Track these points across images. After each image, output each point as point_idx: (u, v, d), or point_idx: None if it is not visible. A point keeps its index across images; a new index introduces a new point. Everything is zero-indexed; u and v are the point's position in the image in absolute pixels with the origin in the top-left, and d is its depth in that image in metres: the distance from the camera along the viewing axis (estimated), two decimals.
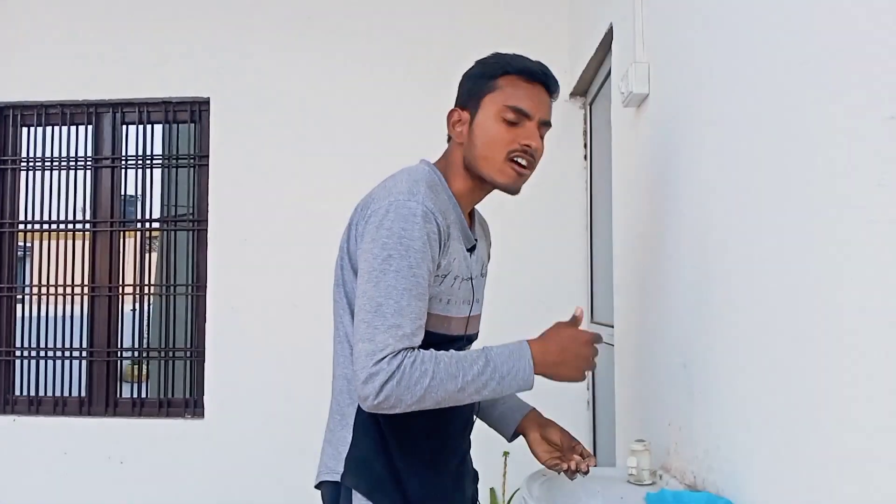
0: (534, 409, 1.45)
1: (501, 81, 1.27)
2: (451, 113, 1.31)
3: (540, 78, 1.28)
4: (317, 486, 1.31)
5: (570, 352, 1.22)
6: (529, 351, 1.19)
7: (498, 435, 1.46)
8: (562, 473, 1.35)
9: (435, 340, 1.22)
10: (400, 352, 1.10)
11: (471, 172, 1.29)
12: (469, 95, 1.29)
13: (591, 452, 1.38)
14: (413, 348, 1.13)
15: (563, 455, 1.36)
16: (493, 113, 1.25)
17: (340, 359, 1.28)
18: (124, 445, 3.16)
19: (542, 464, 1.38)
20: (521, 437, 1.44)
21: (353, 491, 1.21)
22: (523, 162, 1.25)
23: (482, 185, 1.31)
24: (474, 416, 1.40)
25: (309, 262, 3.07)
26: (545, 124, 1.28)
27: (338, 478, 1.23)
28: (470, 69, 1.33)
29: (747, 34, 1.14)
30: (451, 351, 1.16)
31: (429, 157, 1.36)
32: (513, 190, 1.28)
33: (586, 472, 1.31)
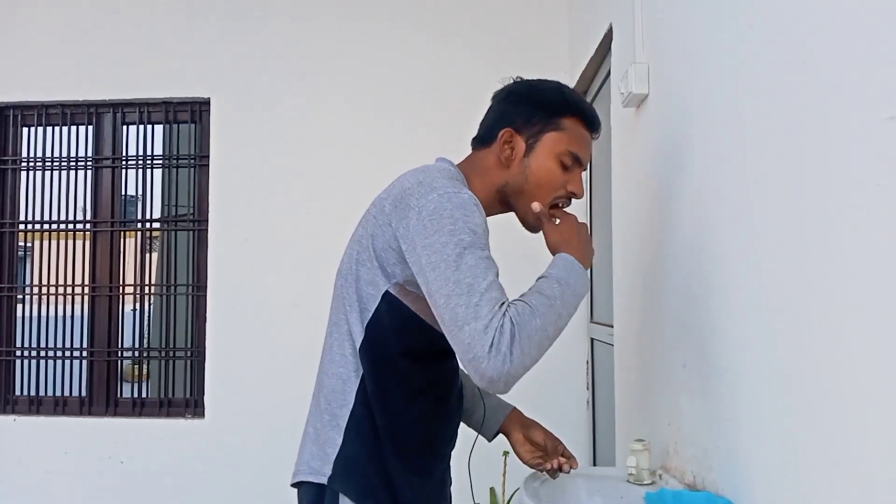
0: (515, 408, 1.45)
1: (567, 122, 1.27)
2: (504, 132, 1.27)
3: (595, 127, 1.31)
4: (293, 485, 1.27)
5: (583, 238, 1.25)
6: (569, 256, 1.20)
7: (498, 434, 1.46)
8: (544, 472, 1.37)
9: (450, 347, 1.24)
10: (504, 312, 1.06)
11: (502, 195, 1.29)
12: (527, 123, 1.27)
13: (573, 454, 1.39)
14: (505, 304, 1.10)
15: (547, 455, 1.37)
16: (553, 154, 1.26)
17: (337, 357, 1.24)
18: (124, 445, 3.16)
19: (525, 463, 1.39)
20: (501, 436, 1.44)
21: (341, 495, 1.18)
22: (562, 206, 1.30)
23: (502, 209, 1.32)
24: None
25: (309, 261, 3.08)
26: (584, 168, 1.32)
27: (323, 480, 1.20)
28: (528, 92, 1.30)
29: (747, 34, 1.14)
30: (524, 293, 1.13)
31: (430, 160, 1.34)
32: (535, 230, 1.31)
33: (567, 472, 1.34)
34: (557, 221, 1.29)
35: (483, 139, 1.32)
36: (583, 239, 1.25)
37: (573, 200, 1.32)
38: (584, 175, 2.99)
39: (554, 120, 1.27)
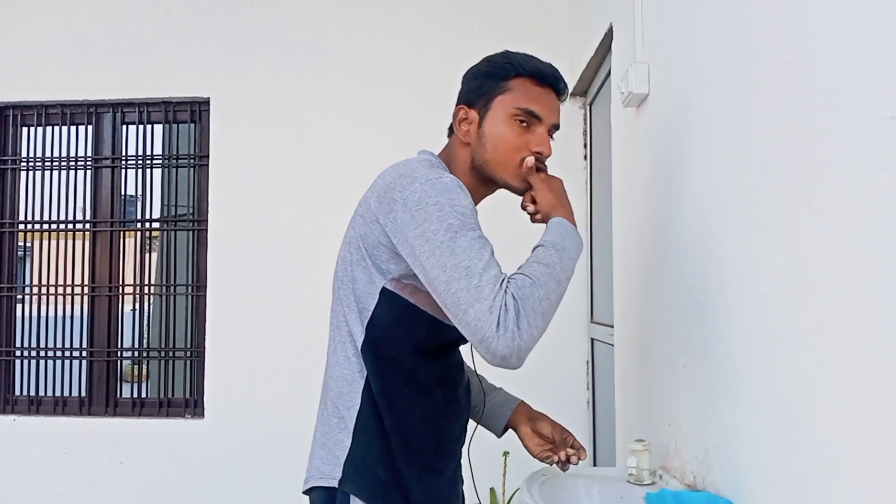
0: (522, 401, 1.45)
1: (513, 83, 1.26)
2: (457, 110, 1.29)
3: (550, 81, 1.28)
4: (305, 492, 1.26)
5: (567, 198, 1.27)
6: (562, 219, 1.21)
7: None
8: (554, 465, 1.36)
9: (453, 337, 1.23)
10: (505, 289, 1.07)
11: (478, 173, 1.28)
12: (477, 94, 1.28)
13: (582, 444, 1.38)
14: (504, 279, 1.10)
15: (556, 447, 1.37)
16: (504, 116, 1.25)
17: (341, 359, 1.24)
18: (124, 445, 3.16)
19: (535, 457, 1.38)
20: (510, 431, 1.44)
21: (352, 496, 1.18)
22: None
23: (488, 186, 1.31)
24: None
25: (309, 261, 3.08)
26: (555, 127, 1.29)
27: (334, 483, 1.20)
28: (477, 66, 1.31)
29: (747, 34, 1.14)
30: (522, 264, 1.14)
31: None
32: (523, 193, 1.30)
33: (576, 464, 1.33)
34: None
35: (451, 126, 1.34)
36: (567, 199, 1.27)
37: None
38: (584, 172, 3.00)
39: (500, 84, 1.26)
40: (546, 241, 1.17)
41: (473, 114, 1.28)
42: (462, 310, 1.06)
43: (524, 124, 1.25)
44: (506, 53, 1.30)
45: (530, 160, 1.25)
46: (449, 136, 1.35)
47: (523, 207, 1.30)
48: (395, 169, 1.21)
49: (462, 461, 1.36)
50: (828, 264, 0.88)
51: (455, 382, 1.30)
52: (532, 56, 1.30)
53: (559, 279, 1.13)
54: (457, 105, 1.31)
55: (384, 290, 1.20)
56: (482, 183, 1.30)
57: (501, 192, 1.33)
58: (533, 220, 1.29)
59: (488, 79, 1.28)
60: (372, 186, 1.23)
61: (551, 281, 1.11)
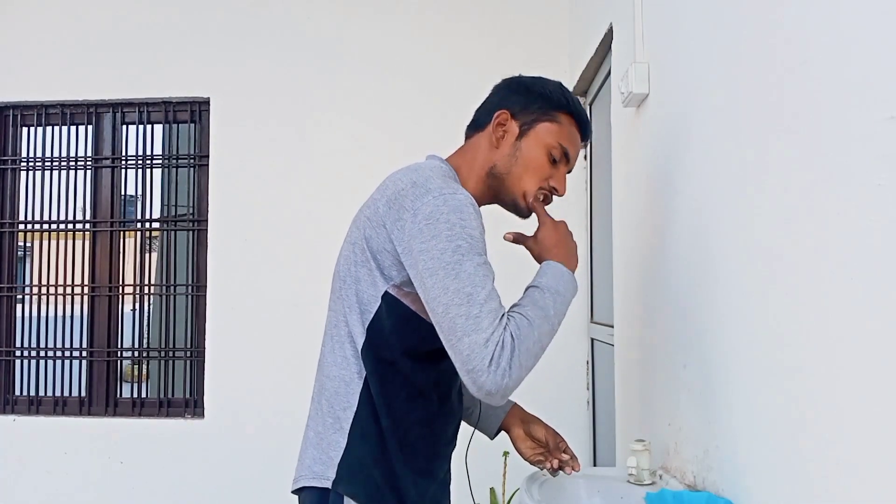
0: (516, 404, 1.45)
1: (563, 118, 1.29)
2: (500, 113, 1.29)
3: (586, 132, 1.33)
4: (294, 492, 1.25)
5: (566, 244, 1.27)
6: (555, 262, 1.22)
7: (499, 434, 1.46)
8: (545, 470, 1.36)
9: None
10: (505, 326, 1.08)
11: (492, 179, 1.29)
12: (524, 108, 1.28)
13: (575, 453, 1.38)
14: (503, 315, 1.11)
15: (549, 452, 1.36)
16: (545, 143, 1.27)
17: (339, 359, 1.23)
18: (124, 445, 3.16)
19: (526, 460, 1.38)
20: (501, 436, 1.44)
21: (347, 498, 1.17)
22: (543, 200, 1.31)
23: (492, 196, 1.31)
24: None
25: (309, 261, 3.08)
26: (569, 171, 1.33)
27: (327, 484, 1.19)
28: (531, 81, 1.32)
29: (747, 34, 1.14)
30: (516, 304, 1.16)
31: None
32: (525, 215, 1.31)
33: (568, 474, 1.33)
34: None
35: (478, 123, 1.33)
36: (572, 244, 1.29)
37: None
38: (584, 172, 3.00)
39: (551, 112, 1.28)
40: (541, 283, 1.19)
41: (514, 125, 1.29)
42: (457, 337, 1.07)
43: (554, 159, 1.28)
44: (562, 86, 1.32)
45: (538, 198, 1.29)
46: (467, 135, 1.35)
47: (515, 239, 1.33)
48: (408, 175, 1.20)
49: (459, 463, 1.36)
50: (827, 263, 0.88)
51: (450, 386, 1.30)
52: (578, 100, 1.34)
53: (552, 324, 1.15)
54: (498, 107, 1.30)
55: (386, 295, 1.19)
56: (489, 191, 1.30)
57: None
58: (513, 240, 1.32)
59: (540, 99, 1.29)
60: (381, 189, 1.22)
61: (545, 325, 1.13)
